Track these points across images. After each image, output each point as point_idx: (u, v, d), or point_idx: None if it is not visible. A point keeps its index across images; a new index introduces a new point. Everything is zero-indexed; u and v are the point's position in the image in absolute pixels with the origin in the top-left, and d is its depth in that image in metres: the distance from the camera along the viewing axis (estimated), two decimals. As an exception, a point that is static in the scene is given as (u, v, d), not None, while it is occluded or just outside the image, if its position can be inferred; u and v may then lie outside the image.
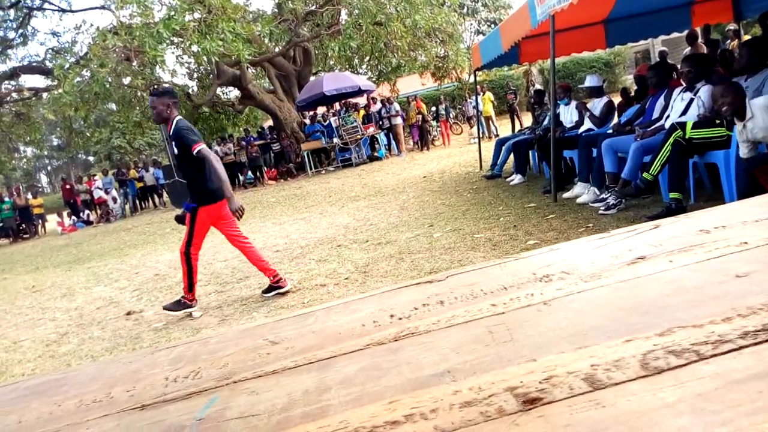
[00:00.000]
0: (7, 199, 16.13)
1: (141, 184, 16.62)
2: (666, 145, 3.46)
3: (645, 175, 3.64)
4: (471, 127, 15.33)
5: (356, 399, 0.44)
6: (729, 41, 8.28)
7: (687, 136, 3.40)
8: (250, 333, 0.63)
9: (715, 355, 0.40)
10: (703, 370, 0.38)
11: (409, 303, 0.61)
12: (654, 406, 0.36)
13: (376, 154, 14.11)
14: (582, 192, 4.66)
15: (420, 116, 14.76)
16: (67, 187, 16.75)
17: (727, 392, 0.35)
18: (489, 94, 14.66)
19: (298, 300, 3.46)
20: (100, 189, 15.99)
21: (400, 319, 0.57)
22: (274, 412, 0.44)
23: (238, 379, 0.52)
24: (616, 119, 5.34)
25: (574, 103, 5.83)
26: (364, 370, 0.48)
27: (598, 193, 4.43)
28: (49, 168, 48.29)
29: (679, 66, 4.57)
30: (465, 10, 28.14)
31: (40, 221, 16.92)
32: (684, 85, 3.96)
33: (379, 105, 15.25)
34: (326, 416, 0.42)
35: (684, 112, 3.77)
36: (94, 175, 17.55)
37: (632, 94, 5.60)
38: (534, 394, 0.39)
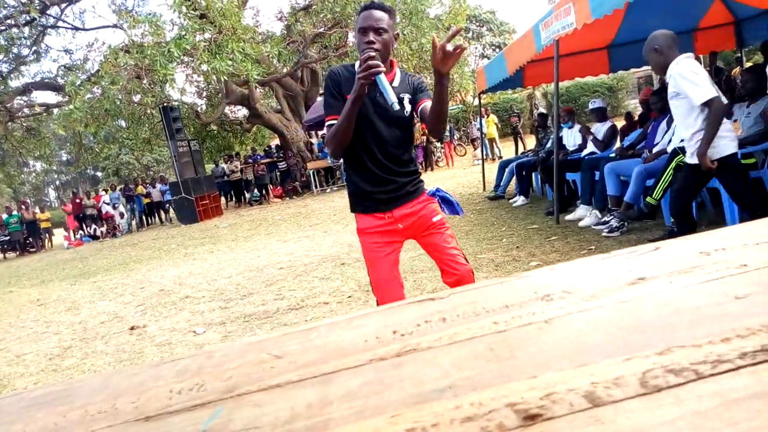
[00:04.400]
0: (15, 212, 16.26)
1: (148, 200, 16.73)
2: (668, 169, 3.47)
3: (648, 199, 3.64)
4: (475, 148, 15.42)
5: (359, 413, 0.44)
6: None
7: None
8: (255, 347, 0.64)
9: (714, 375, 0.40)
10: (701, 388, 0.39)
11: (411, 319, 0.62)
12: (653, 423, 0.36)
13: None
14: (584, 215, 4.67)
15: (424, 137, 14.88)
16: (77, 201, 16.88)
17: (725, 411, 0.36)
18: (493, 117, 14.78)
19: (301, 317, 3.45)
20: (108, 204, 16.11)
21: (403, 335, 0.58)
22: (277, 425, 0.45)
23: (242, 392, 0.53)
24: (618, 143, 5.38)
25: (577, 127, 5.88)
26: (367, 385, 0.48)
27: (600, 215, 4.43)
28: (57, 183, 48.73)
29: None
30: (470, 35, 28.56)
31: (46, 235, 17.02)
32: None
33: (384, 125, 15.36)
34: (328, 429, 0.43)
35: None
36: (105, 190, 17.71)
37: (636, 118, 5.66)
38: (534, 410, 0.40)
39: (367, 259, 2.05)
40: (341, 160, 2.06)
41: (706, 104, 2.53)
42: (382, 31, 1.80)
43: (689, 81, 2.54)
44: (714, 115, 2.52)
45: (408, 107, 1.94)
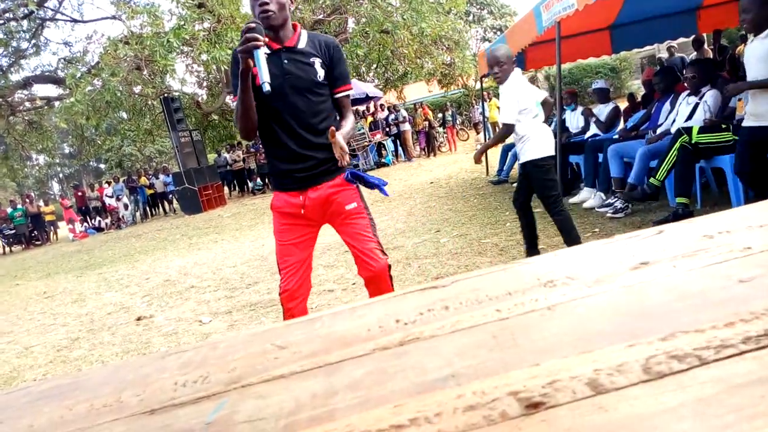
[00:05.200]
0: (19, 206, 16.35)
1: (151, 191, 16.76)
2: (672, 150, 3.45)
3: (652, 180, 3.62)
4: (477, 133, 15.33)
5: (362, 403, 0.44)
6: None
7: (693, 141, 3.39)
8: (259, 337, 0.64)
9: (718, 360, 0.40)
10: (705, 374, 0.39)
11: (414, 308, 0.62)
12: (656, 410, 0.36)
13: (383, 160, 14.15)
14: (588, 197, 4.66)
15: (427, 123, 14.80)
16: (80, 193, 16.96)
17: (728, 396, 0.36)
18: (495, 101, 14.65)
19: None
20: (111, 196, 16.16)
21: (406, 324, 0.58)
22: (281, 416, 0.45)
23: (246, 383, 0.53)
24: (622, 125, 5.33)
25: (580, 109, 5.83)
26: (370, 375, 0.49)
27: (604, 197, 4.42)
28: (60, 175, 48.84)
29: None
30: (471, 18, 28.25)
31: (51, 228, 17.12)
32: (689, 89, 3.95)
33: (386, 112, 15.32)
34: (333, 420, 0.43)
35: (689, 117, 3.76)
36: (108, 182, 17.76)
37: (639, 99, 5.60)
38: (537, 398, 0.40)
39: (276, 238, 1.95)
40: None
41: (504, 124, 3.06)
42: None
43: (506, 101, 3.03)
44: (500, 132, 3.14)
45: (321, 72, 1.82)
